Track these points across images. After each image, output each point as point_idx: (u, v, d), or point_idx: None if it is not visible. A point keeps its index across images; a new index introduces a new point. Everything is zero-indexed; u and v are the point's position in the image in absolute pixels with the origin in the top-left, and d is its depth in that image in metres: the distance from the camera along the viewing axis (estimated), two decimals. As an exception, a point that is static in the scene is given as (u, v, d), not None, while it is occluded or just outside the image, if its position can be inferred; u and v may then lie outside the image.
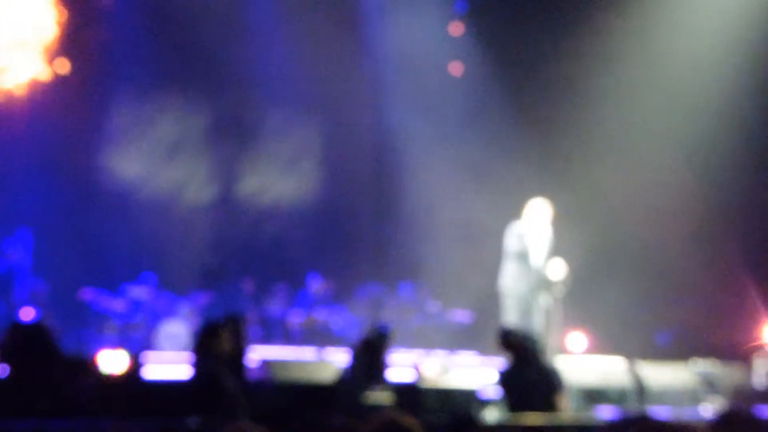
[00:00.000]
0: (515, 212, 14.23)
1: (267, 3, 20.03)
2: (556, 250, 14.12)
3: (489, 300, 15.59)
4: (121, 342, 16.05)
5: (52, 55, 18.47)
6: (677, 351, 16.39)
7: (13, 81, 18.24)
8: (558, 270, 13.60)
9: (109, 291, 16.74)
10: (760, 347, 13.68)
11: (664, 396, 13.23)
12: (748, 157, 18.73)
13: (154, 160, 19.98)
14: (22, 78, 18.20)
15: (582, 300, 16.27)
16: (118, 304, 16.71)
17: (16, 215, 17.35)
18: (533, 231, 13.76)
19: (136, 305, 16.82)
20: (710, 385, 13.49)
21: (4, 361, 10.79)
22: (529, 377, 10.89)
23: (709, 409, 13.19)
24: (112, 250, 18.26)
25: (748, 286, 18.35)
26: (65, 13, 18.41)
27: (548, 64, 19.77)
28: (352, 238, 21.36)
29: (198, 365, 9.51)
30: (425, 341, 18.41)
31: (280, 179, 21.16)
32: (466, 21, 21.63)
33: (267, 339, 17.96)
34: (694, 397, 13.42)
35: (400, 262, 20.19)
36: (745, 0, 18.45)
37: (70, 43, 18.55)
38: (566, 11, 19.31)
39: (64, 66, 18.43)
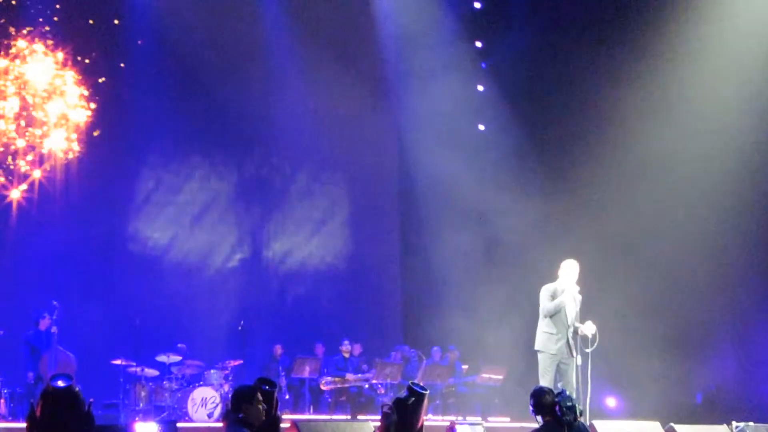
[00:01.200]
0: (547, 275, 14.22)
1: (293, 68, 20.15)
2: (587, 309, 14.12)
3: (521, 362, 15.55)
4: (152, 409, 16.10)
5: (85, 133, 18.78)
6: (715, 412, 16.33)
7: (51, 160, 18.62)
8: (589, 327, 13.62)
9: (139, 358, 16.75)
10: None
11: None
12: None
13: (181, 224, 20.15)
14: (59, 156, 18.56)
15: (616, 361, 16.27)
16: (148, 372, 16.71)
17: (47, 285, 17.46)
18: (566, 291, 13.78)
19: (167, 372, 16.83)
20: (748, 446, 13.41)
21: (36, 429, 10.79)
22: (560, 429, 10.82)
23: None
24: (141, 317, 18.25)
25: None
26: (96, 95, 18.75)
27: (562, 120, 19.88)
28: (381, 300, 21.40)
29: (232, 429, 9.47)
30: (458, 404, 18.46)
31: (307, 241, 21.27)
32: (487, 81, 21.76)
33: (297, 405, 18.04)
34: (733, 459, 13.34)
35: (431, 325, 20.15)
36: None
37: (101, 120, 18.82)
38: (579, 69, 19.43)
39: (95, 142, 18.72)
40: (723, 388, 18.44)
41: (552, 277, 14.01)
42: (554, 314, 13.67)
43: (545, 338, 13.74)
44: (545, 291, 13.83)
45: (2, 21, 18.29)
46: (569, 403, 10.86)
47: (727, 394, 18.13)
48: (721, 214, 18.27)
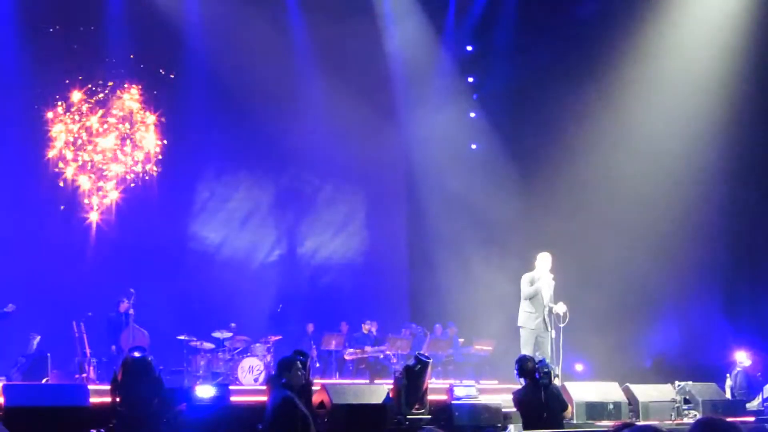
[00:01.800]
0: (526, 264, 14.34)
1: (319, 99, 20.21)
2: (561, 291, 14.22)
3: (506, 336, 15.60)
4: (209, 375, 16.24)
5: (157, 158, 19.00)
6: (662, 374, 16.34)
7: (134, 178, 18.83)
8: (561, 307, 13.71)
9: (199, 334, 16.85)
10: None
11: (651, 410, 13.21)
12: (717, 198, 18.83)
13: (231, 227, 20.24)
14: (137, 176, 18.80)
15: (582, 334, 16.32)
16: (206, 345, 16.80)
17: (127, 276, 17.66)
18: (542, 278, 13.87)
19: (221, 345, 16.91)
20: (688, 401, 13.44)
21: (118, 390, 10.92)
22: (540, 397, 10.88)
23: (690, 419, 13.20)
24: (199, 301, 18.39)
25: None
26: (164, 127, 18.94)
27: (539, 140, 19.99)
28: (393, 286, 21.41)
29: (277, 392, 9.55)
30: (456, 371, 18.49)
31: (332, 240, 21.31)
32: (478, 109, 21.82)
33: (325, 372, 18.12)
34: (676, 411, 13.36)
35: (433, 306, 20.22)
36: (708, 63, 18.57)
37: (169, 147, 19.03)
38: (553, 99, 19.53)
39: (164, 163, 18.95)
40: (668, 354, 18.48)
41: (530, 266, 14.14)
42: (533, 297, 13.78)
43: (526, 316, 13.85)
44: (525, 278, 13.96)
45: (93, 72, 18.55)
46: (546, 370, 11.02)
47: (672, 359, 18.17)
48: (663, 212, 18.44)
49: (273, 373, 10.56)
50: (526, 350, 13.34)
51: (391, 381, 12.75)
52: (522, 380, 11.04)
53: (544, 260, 13.95)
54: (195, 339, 16.62)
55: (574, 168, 19.17)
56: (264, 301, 19.49)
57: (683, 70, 18.76)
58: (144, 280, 17.55)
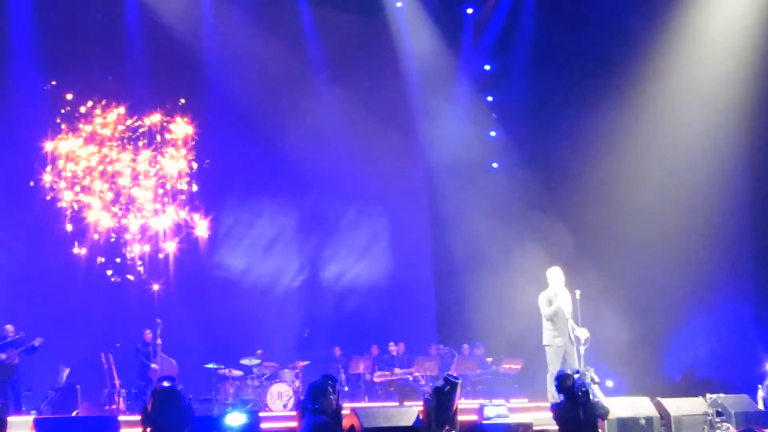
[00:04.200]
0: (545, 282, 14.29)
1: (342, 125, 20.26)
2: (587, 308, 14.14)
3: (534, 354, 15.53)
4: (238, 403, 16.21)
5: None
6: (692, 387, 16.24)
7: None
8: (583, 332, 13.61)
9: (226, 362, 16.87)
10: None
11: (683, 424, 13.12)
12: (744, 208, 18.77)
13: (255, 253, 20.26)
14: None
15: (612, 350, 16.25)
16: (234, 372, 16.82)
17: (153, 306, 17.72)
18: (558, 294, 13.80)
19: (249, 372, 16.92)
20: (721, 413, 13.34)
21: (148, 421, 10.94)
22: (579, 414, 10.91)
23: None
24: (226, 328, 18.38)
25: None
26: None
27: (558, 157, 19.98)
28: (419, 308, 21.38)
29: (311, 418, 9.55)
30: (485, 390, 18.41)
31: (356, 263, 21.30)
32: (498, 126, 21.84)
33: (354, 395, 18.07)
34: (709, 424, 13.27)
35: (460, 327, 20.17)
36: (727, 70, 18.55)
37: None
38: (569, 117, 19.56)
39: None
40: (699, 366, 18.38)
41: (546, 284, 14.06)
42: (553, 316, 13.69)
43: (550, 335, 13.77)
44: (542, 298, 13.88)
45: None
46: (584, 389, 11.00)
47: (703, 371, 18.06)
48: (688, 223, 18.42)
49: (303, 398, 10.57)
50: (553, 367, 13.28)
51: (421, 403, 12.72)
52: (561, 396, 11.09)
53: (555, 275, 13.88)
54: (223, 367, 16.65)
55: (595, 184, 19.20)
56: (290, 326, 19.45)
57: (703, 79, 18.80)
58: (171, 309, 17.61)
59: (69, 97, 18.47)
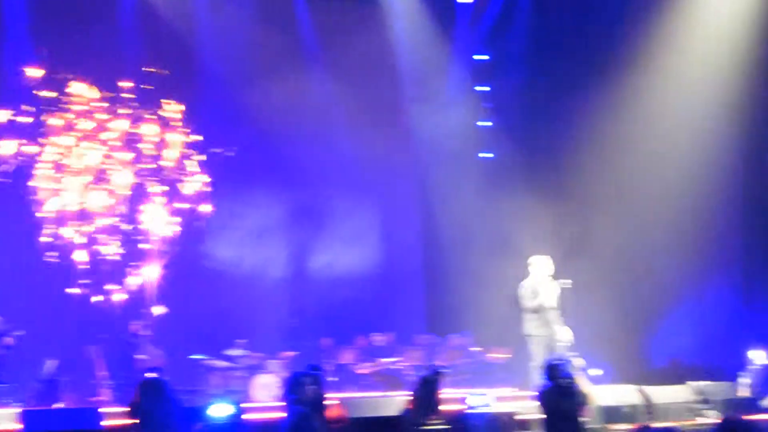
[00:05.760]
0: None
1: (333, 115, 20.25)
2: (574, 298, 14.21)
3: (521, 343, 15.62)
4: (224, 393, 16.20)
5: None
6: (677, 375, 16.36)
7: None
8: (565, 333, 13.66)
9: (213, 352, 16.90)
10: None
11: (668, 412, 13.24)
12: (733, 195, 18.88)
13: (243, 244, 20.26)
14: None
15: (599, 340, 16.35)
16: (221, 363, 16.84)
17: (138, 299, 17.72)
18: (542, 284, 13.83)
19: (235, 362, 16.95)
20: (705, 401, 13.46)
21: (135, 412, 11.02)
22: (563, 398, 11.04)
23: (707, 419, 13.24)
24: (213, 319, 18.39)
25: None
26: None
27: (550, 147, 20.04)
28: (408, 298, 21.40)
29: (290, 409, 9.64)
30: (471, 379, 18.46)
31: (345, 254, 21.32)
32: (492, 116, 21.88)
33: (342, 385, 18.13)
34: (692, 411, 13.39)
35: (448, 316, 20.24)
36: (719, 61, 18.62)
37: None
38: (563, 108, 19.63)
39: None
40: (684, 354, 18.51)
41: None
42: (535, 307, 13.73)
43: (531, 325, 13.84)
44: (524, 289, 13.87)
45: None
46: (569, 378, 11.12)
47: (688, 359, 18.19)
48: (677, 212, 18.55)
49: (284, 390, 10.65)
50: (537, 358, 13.36)
51: (408, 392, 12.80)
52: (548, 382, 11.24)
53: (541, 264, 13.88)
54: (209, 357, 16.68)
55: (587, 173, 19.32)
56: (279, 317, 19.49)
57: (696, 69, 18.93)
58: (158, 300, 17.61)
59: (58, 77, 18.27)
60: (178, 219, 18.38)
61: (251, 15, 19.42)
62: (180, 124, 18.65)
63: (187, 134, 18.68)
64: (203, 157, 18.60)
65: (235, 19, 19.44)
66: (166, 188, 18.47)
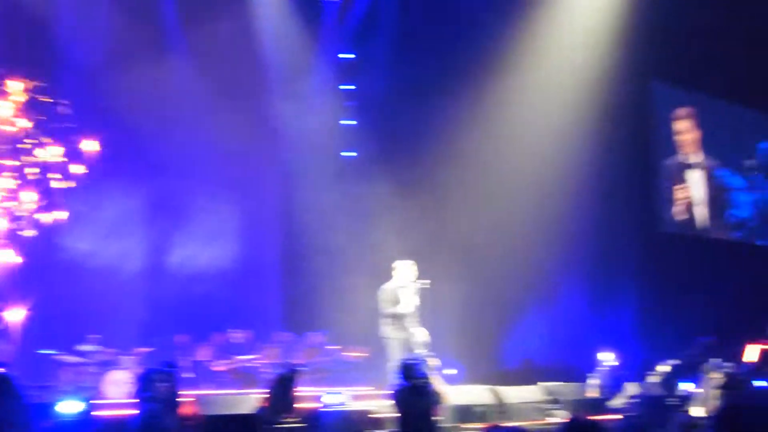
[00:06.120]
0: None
1: (196, 106, 19.94)
2: (430, 297, 14.36)
3: (378, 342, 15.77)
4: (75, 390, 15.88)
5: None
6: (529, 375, 16.75)
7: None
8: (422, 334, 13.84)
9: (64, 347, 16.51)
10: None
11: (519, 411, 13.54)
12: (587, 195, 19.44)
13: (99, 236, 19.80)
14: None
15: (453, 338, 16.59)
16: (72, 358, 16.47)
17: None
18: (402, 288, 13.98)
19: (87, 358, 16.61)
20: (555, 401, 13.82)
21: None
22: (418, 397, 11.18)
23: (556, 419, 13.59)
24: (66, 313, 17.95)
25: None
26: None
27: (412, 148, 20.29)
28: (266, 295, 21.31)
29: (142, 406, 9.53)
30: (327, 378, 18.53)
31: (204, 248, 21.09)
32: (356, 114, 21.99)
33: (198, 382, 17.94)
34: (542, 411, 13.73)
35: (306, 314, 20.26)
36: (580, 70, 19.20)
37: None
38: (426, 108, 19.90)
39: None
40: (536, 355, 18.98)
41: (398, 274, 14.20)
42: (394, 311, 13.87)
43: (389, 328, 13.98)
44: (385, 293, 13.99)
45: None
46: (425, 378, 11.28)
47: (539, 360, 18.66)
48: (533, 216, 18.99)
49: (136, 387, 10.51)
50: (395, 358, 13.48)
51: (263, 390, 12.78)
52: (403, 383, 11.36)
53: (405, 269, 14.05)
54: (60, 352, 16.30)
55: (447, 173, 19.60)
56: (134, 312, 19.04)
57: (558, 73, 19.48)
58: (7, 291, 17.06)
59: None
60: (32, 207, 17.82)
61: (113, 2, 18.97)
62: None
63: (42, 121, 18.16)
64: (61, 149, 18.07)
65: (96, 6, 18.96)
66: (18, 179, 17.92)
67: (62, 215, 17.82)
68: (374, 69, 21.48)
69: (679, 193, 22.58)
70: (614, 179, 20.39)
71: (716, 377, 15.03)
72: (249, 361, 18.17)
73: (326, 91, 21.67)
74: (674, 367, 15.92)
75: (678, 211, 22.50)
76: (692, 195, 22.88)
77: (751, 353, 17.38)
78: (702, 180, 23.05)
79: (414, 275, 14.04)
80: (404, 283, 13.92)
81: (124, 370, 16.39)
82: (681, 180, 22.81)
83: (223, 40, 20.06)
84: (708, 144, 23.14)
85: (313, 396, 13.27)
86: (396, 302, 13.87)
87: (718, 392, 14.49)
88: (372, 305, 16.44)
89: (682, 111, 22.83)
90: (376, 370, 16.34)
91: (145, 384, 9.59)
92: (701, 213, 23.02)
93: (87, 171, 18.27)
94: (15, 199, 17.47)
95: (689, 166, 22.93)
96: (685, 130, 22.82)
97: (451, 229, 19.23)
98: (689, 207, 22.78)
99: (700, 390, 15.99)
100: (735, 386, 14.43)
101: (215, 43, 20.00)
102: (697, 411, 13.92)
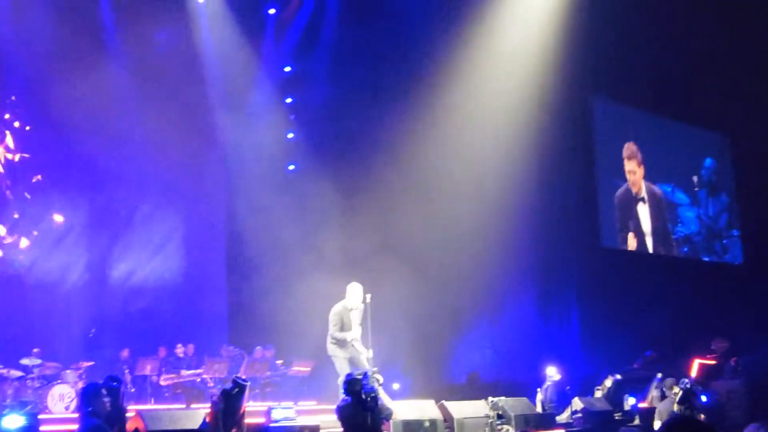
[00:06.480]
0: (347, 283, 14.42)
1: (140, 117, 19.76)
2: (376, 313, 14.41)
3: (325, 357, 15.76)
4: (17, 405, 15.60)
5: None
6: (476, 390, 16.82)
7: None
8: (368, 353, 13.93)
9: (5, 362, 16.24)
10: None
11: (466, 426, 13.58)
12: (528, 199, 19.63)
13: (41, 249, 19.54)
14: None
15: (399, 354, 16.60)
16: (13, 373, 16.21)
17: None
18: (352, 308, 14.05)
19: (30, 372, 16.36)
20: (501, 416, 13.88)
21: None
22: (366, 416, 11.17)
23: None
24: (7, 326, 17.70)
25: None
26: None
27: (356, 159, 20.35)
28: (211, 309, 21.21)
29: (84, 421, 9.38)
30: (274, 393, 18.46)
31: (147, 261, 20.91)
32: (297, 128, 21.98)
33: (140, 397, 17.75)
34: (490, 426, 13.78)
35: (252, 328, 20.16)
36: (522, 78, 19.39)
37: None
38: (369, 119, 19.98)
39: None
40: (482, 370, 19.07)
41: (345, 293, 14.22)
42: (341, 329, 13.94)
43: (334, 347, 14.06)
44: (335, 315, 14.07)
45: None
46: (372, 395, 11.27)
47: (486, 375, 18.75)
48: (478, 229, 19.11)
49: (78, 401, 10.34)
50: (343, 374, 13.48)
51: (208, 405, 12.65)
52: (347, 398, 11.33)
53: (355, 291, 14.13)
54: (2, 367, 16.03)
55: (393, 186, 19.66)
56: (76, 325, 18.88)
57: (502, 81, 19.62)
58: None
59: None
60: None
61: (54, 11, 18.75)
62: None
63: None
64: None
65: (36, 15, 18.74)
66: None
67: (1, 230, 17.62)
68: (316, 81, 21.52)
69: (630, 224, 23.05)
70: (557, 192, 20.62)
71: (676, 391, 15.27)
72: (194, 375, 18.00)
73: (269, 104, 21.64)
74: (618, 381, 16.08)
75: (631, 243, 22.91)
76: (643, 227, 23.32)
77: (694, 368, 17.68)
78: (651, 211, 23.51)
79: (362, 298, 14.11)
80: (354, 305, 13.99)
81: (67, 385, 16.15)
82: (632, 213, 23.22)
83: (165, 53, 19.98)
84: (654, 162, 23.53)
85: (261, 411, 13.18)
86: (344, 325, 13.95)
87: (677, 407, 14.75)
88: (318, 317, 16.48)
89: (627, 150, 23.26)
90: (323, 385, 16.29)
91: (88, 399, 9.40)
92: (652, 242, 23.46)
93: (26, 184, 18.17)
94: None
95: (642, 200, 23.38)
96: (632, 169, 23.30)
97: (396, 239, 19.27)
98: (642, 238, 23.20)
99: (646, 404, 16.24)
100: (689, 400, 14.69)
101: (157, 56, 19.94)
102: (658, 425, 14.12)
